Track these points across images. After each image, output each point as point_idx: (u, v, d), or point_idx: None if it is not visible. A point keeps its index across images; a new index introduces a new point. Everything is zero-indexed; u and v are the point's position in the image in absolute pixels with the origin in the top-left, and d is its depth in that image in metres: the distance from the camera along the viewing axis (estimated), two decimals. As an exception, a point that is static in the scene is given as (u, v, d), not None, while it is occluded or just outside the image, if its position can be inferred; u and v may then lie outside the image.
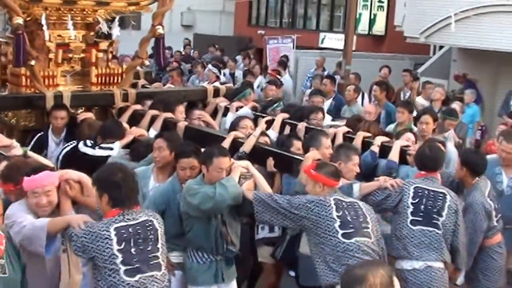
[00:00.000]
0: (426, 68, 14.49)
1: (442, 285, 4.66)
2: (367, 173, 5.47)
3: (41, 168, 3.95)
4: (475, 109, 10.69)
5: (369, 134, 5.93)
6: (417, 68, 14.70)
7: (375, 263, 3.32)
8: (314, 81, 11.61)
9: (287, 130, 6.42)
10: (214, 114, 7.09)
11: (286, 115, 6.68)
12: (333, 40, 19.35)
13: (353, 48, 18.43)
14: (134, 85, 7.50)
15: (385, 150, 5.58)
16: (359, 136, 5.86)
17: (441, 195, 4.73)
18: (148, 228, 3.65)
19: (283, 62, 13.34)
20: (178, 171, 4.70)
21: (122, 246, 3.52)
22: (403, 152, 5.50)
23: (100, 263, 3.52)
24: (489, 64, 13.11)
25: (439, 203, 4.70)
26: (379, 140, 5.74)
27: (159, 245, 3.66)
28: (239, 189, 4.37)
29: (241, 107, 7.01)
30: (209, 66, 12.36)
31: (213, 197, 4.26)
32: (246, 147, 5.37)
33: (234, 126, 6.06)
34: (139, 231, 3.60)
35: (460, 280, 6.10)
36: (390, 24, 17.05)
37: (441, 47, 14.99)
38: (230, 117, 6.76)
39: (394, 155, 5.47)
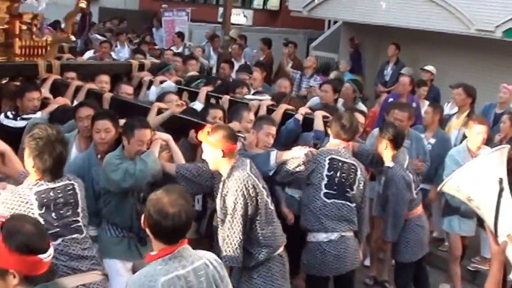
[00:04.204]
0: (318, 43, 14.53)
1: (356, 251, 4.63)
2: (288, 141, 5.24)
3: None
4: (350, 77, 10.84)
5: (291, 107, 5.72)
6: (310, 43, 14.82)
7: None
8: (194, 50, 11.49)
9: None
10: (138, 88, 6.74)
11: (209, 88, 6.49)
12: (232, 15, 19.11)
13: (250, 23, 18.52)
14: (59, 59, 7.07)
15: (307, 123, 5.39)
16: (281, 108, 5.65)
17: (353, 167, 4.57)
18: (69, 192, 3.39)
19: (181, 34, 13.07)
20: (93, 135, 4.40)
21: (43, 211, 3.26)
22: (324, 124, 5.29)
23: None
24: (371, 37, 13.18)
25: (351, 176, 4.55)
26: (303, 109, 5.57)
27: (79, 210, 3.41)
28: (159, 164, 4.19)
29: (165, 81, 6.71)
30: (94, 34, 11.81)
31: (134, 174, 4.03)
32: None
33: (159, 100, 5.68)
34: (59, 196, 3.34)
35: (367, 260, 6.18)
36: (284, -1, 17.05)
37: (335, 22, 15.07)
38: (154, 91, 6.47)
39: (319, 125, 5.25)
